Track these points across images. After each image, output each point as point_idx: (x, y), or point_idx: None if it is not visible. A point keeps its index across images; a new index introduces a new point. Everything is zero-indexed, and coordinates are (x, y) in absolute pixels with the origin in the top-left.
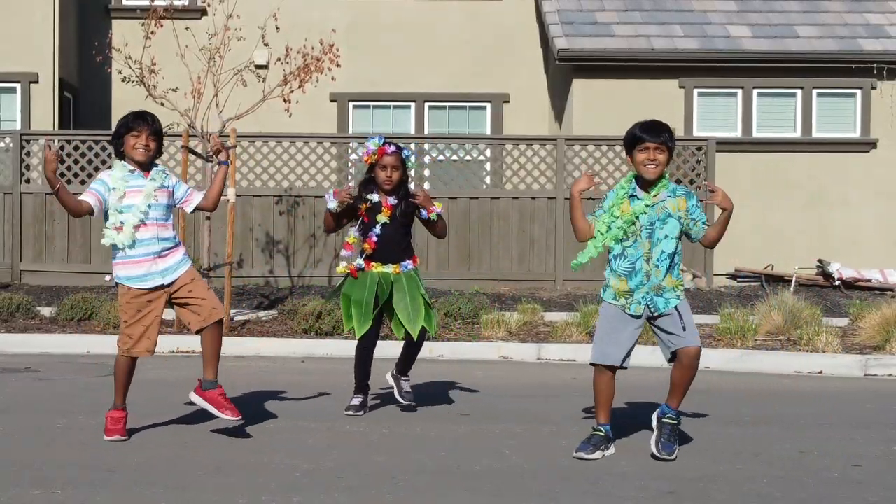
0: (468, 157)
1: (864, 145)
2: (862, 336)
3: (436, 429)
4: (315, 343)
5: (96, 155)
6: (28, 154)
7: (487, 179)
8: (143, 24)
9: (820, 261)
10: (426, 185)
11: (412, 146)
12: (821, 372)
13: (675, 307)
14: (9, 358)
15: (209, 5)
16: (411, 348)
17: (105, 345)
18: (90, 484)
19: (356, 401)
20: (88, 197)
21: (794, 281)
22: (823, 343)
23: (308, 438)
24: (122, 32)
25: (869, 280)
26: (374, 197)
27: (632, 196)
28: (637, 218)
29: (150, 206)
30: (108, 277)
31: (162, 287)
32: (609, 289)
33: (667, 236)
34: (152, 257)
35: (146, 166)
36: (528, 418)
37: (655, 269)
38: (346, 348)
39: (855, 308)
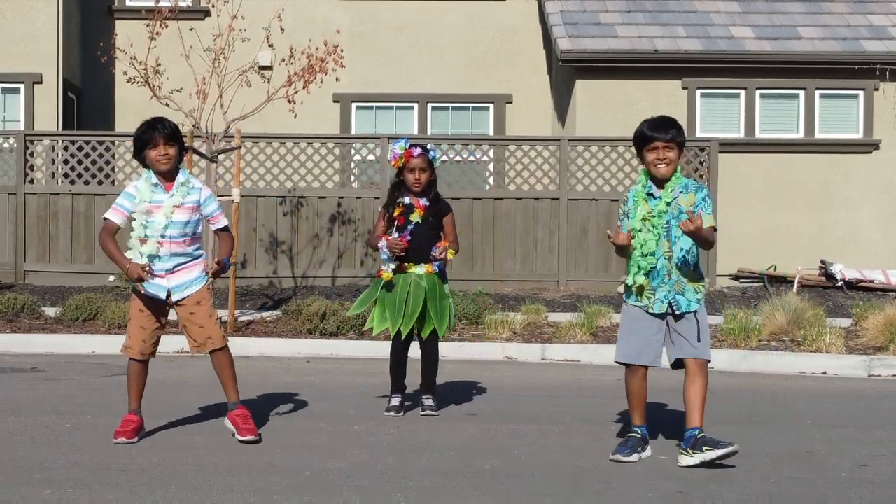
0: (471, 158)
1: (867, 146)
2: (865, 337)
3: (444, 429)
4: (320, 343)
5: (100, 155)
6: (32, 154)
7: (490, 180)
8: (147, 25)
9: (823, 261)
10: None
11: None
12: (825, 372)
13: (695, 314)
14: (14, 358)
15: (213, 6)
16: (428, 363)
17: (110, 345)
18: (101, 484)
19: (395, 401)
20: (114, 216)
21: (796, 282)
22: (827, 344)
23: (316, 438)
24: (126, 33)
25: (872, 281)
26: (406, 199)
27: (648, 195)
28: (658, 216)
29: (166, 226)
30: (111, 278)
31: (166, 299)
32: (632, 291)
33: (683, 233)
34: (163, 273)
35: (172, 174)
36: (535, 419)
37: (676, 267)
38: (351, 349)
39: (858, 309)
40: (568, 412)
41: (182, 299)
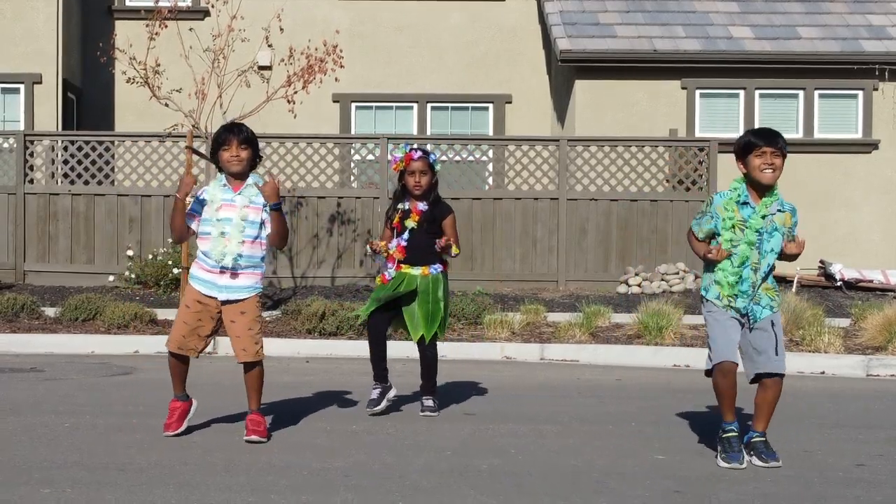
0: (471, 158)
1: (866, 146)
2: (864, 337)
3: (442, 429)
4: (319, 343)
5: (100, 156)
6: (31, 155)
7: (490, 180)
8: (147, 25)
9: (822, 261)
10: None
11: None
12: (823, 372)
13: (772, 322)
14: (14, 358)
15: (213, 6)
16: (426, 365)
17: (109, 345)
18: (99, 483)
19: (374, 393)
20: (190, 222)
21: (796, 281)
22: (826, 344)
23: (315, 438)
24: (126, 33)
25: (871, 281)
26: (406, 205)
27: (744, 203)
28: (751, 229)
29: (244, 221)
30: (111, 278)
31: (215, 299)
32: (713, 288)
33: (772, 250)
34: (220, 270)
35: (243, 176)
36: (533, 419)
37: (761, 281)
38: (350, 348)
39: (857, 309)
40: (566, 412)
41: (228, 301)
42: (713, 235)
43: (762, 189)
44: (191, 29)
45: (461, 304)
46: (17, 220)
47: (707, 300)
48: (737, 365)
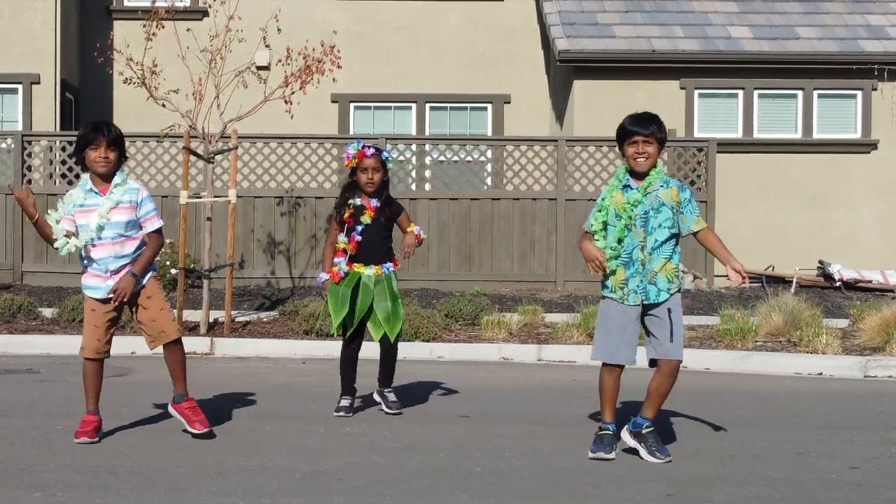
0: (469, 159)
1: (865, 146)
2: (862, 337)
3: (436, 430)
4: (316, 344)
5: None
6: (29, 155)
7: (488, 180)
8: (144, 26)
9: (821, 262)
10: (427, 186)
11: (413, 147)
12: (821, 373)
13: (668, 309)
14: (10, 359)
15: (210, 6)
16: (388, 357)
17: None
18: (90, 486)
19: (345, 402)
20: (66, 224)
21: (794, 282)
22: (823, 344)
23: (308, 440)
24: (124, 33)
25: (870, 281)
26: (357, 201)
27: (625, 187)
28: (632, 207)
29: (101, 227)
30: None
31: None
32: (609, 280)
33: (661, 225)
34: (107, 274)
35: (109, 177)
36: (528, 420)
37: (649, 257)
38: None
39: (855, 309)
40: (561, 413)
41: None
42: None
43: (641, 175)
44: (188, 29)
45: (459, 305)
46: (14, 221)
47: (604, 289)
48: (621, 367)
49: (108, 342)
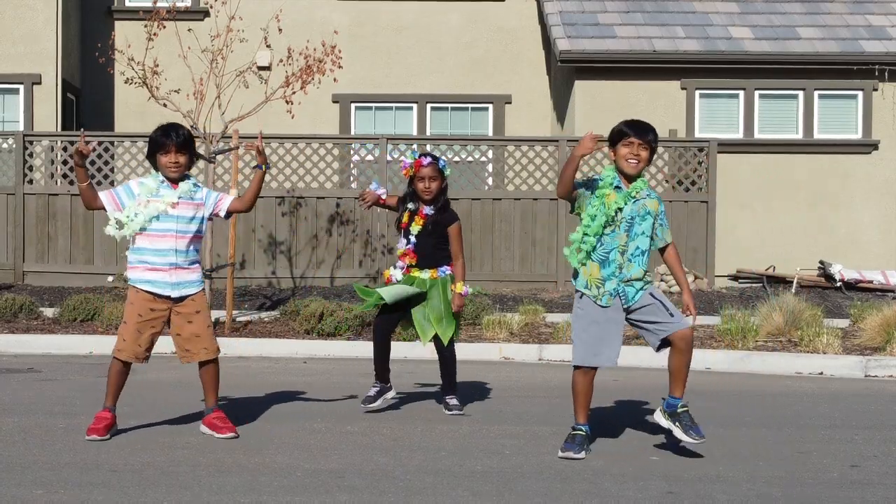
0: (470, 159)
1: (866, 147)
2: (863, 337)
3: (437, 429)
4: (317, 344)
5: (99, 156)
6: (31, 155)
7: (489, 181)
8: (145, 26)
9: (822, 262)
10: None
11: (414, 147)
12: (821, 373)
13: (651, 295)
14: (11, 358)
15: (211, 7)
16: (444, 364)
17: (108, 345)
18: (92, 484)
19: (372, 390)
20: (106, 197)
21: (795, 282)
22: (824, 344)
23: (310, 439)
24: (125, 34)
25: (871, 281)
26: (412, 206)
27: (617, 187)
28: (620, 209)
29: (158, 218)
30: (110, 278)
31: (169, 298)
32: (581, 276)
33: (643, 233)
34: (167, 268)
35: (180, 180)
36: (529, 419)
37: (629, 263)
38: (348, 349)
39: (856, 309)
40: (561, 413)
41: (183, 298)
42: (574, 199)
43: (629, 178)
44: (189, 29)
45: None
46: (16, 221)
47: (577, 291)
48: (595, 370)
49: (149, 349)
